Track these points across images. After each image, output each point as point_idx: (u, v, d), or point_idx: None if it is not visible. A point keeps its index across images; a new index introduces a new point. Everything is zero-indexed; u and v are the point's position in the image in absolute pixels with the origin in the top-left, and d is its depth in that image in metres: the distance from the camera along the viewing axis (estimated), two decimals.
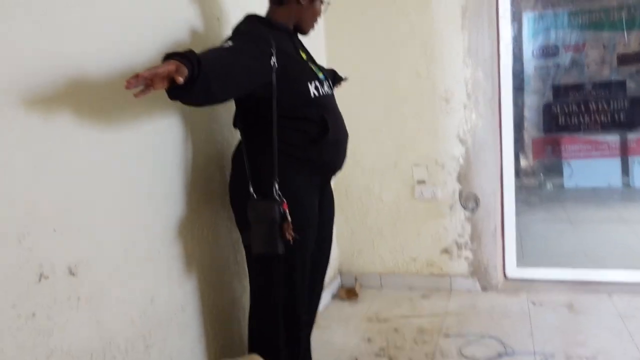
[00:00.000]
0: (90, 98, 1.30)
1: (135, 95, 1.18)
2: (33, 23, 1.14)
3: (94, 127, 1.31)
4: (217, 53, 1.46)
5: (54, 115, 1.19)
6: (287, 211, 1.55)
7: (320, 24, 2.88)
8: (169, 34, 1.62)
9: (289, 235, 1.54)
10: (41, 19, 1.16)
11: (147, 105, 1.51)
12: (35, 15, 1.15)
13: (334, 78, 2.37)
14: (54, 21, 1.20)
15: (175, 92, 1.29)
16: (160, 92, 1.47)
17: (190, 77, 1.24)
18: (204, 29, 1.81)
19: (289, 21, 1.75)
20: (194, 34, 1.75)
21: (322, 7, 1.80)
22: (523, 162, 4.67)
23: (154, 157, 1.56)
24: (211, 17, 1.86)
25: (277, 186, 1.57)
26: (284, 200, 1.56)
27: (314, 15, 1.78)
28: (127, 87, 1.12)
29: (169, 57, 1.26)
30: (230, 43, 1.52)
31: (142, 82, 1.15)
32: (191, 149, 1.73)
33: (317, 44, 2.88)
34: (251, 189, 1.60)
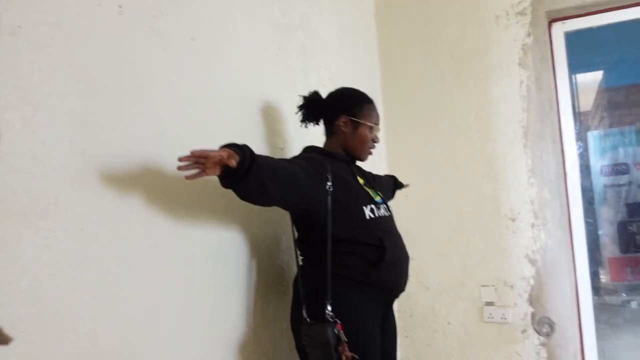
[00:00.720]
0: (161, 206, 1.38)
1: (187, 177, 1.24)
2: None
3: (153, 241, 1.37)
4: (273, 158, 1.55)
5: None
6: (342, 332, 1.53)
7: (381, 149, 3.00)
8: None
9: (347, 356, 1.50)
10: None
11: (210, 217, 1.58)
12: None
13: (395, 184, 2.42)
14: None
15: (229, 180, 1.34)
16: (225, 206, 1.52)
17: (242, 166, 1.30)
18: None
19: (341, 150, 1.84)
20: None
21: (371, 132, 1.83)
22: (604, 278, 4.38)
23: (216, 277, 1.59)
24: (275, 147, 1.97)
25: (329, 308, 1.56)
26: (337, 321, 1.54)
27: (363, 142, 1.82)
28: (180, 163, 1.20)
29: (224, 147, 1.33)
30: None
31: (193, 160, 1.21)
32: (254, 271, 1.78)
33: (379, 168, 2.96)
34: (304, 313, 1.60)
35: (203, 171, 1.26)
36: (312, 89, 2.22)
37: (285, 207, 1.68)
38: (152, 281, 1.34)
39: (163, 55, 1.44)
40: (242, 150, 1.34)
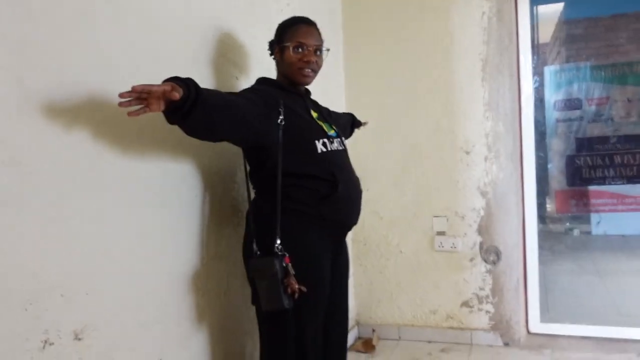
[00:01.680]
0: (102, 135, 1.33)
1: (129, 114, 1.19)
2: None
3: (98, 175, 1.33)
4: (221, 92, 1.49)
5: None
6: (290, 265, 1.55)
7: (341, 76, 2.94)
8: None
9: (293, 289, 1.53)
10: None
11: (159, 150, 1.54)
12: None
13: (353, 122, 2.39)
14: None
15: (174, 117, 1.30)
16: (175, 139, 1.48)
17: (186, 100, 1.26)
18: (223, 88, 1.86)
19: (284, 80, 1.79)
20: None
21: (297, 51, 1.73)
22: (550, 208, 4.57)
23: (166, 211, 1.57)
24: (230, 76, 1.90)
25: (278, 241, 1.57)
26: (285, 254, 1.56)
27: (290, 64, 1.74)
28: (121, 99, 1.14)
29: (166, 81, 1.27)
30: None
31: (135, 96, 1.16)
32: (208, 204, 1.75)
33: (337, 96, 2.92)
34: (255, 246, 1.61)
35: (146, 106, 1.19)
36: (270, 15, 2.14)
37: (234, 142, 1.64)
38: (98, 216, 1.30)
39: None
40: (186, 84, 1.28)
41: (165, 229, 1.56)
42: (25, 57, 1.11)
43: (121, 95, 1.14)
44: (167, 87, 1.20)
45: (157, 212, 1.52)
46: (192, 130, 1.39)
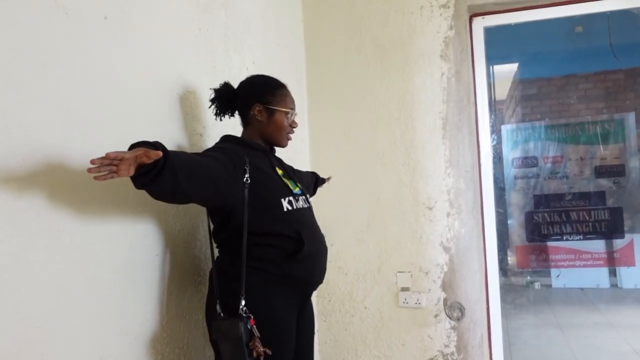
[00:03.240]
0: (61, 192, 1.29)
1: (97, 178, 1.15)
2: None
3: (56, 237, 1.28)
4: (187, 153, 1.48)
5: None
6: (255, 327, 1.51)
7: (305, 132, 2.98)
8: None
9: (258, 352, 1.48)
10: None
11: (120, 209, 1.50)
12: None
13: (316, 181, 2.40)
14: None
15: (142, 181, 1.27)
16: (137, 198, 1.45)
17: (155, 164, 1.24)
18: (188, 144, 1.85)
19: (259, 139, 1.79)
20: (179, 148, 1.78)
21: (288, 118, 1.79)
22: (510, 260, 4.65)
23: (126, 271, 1.51)
24: (194, 133, 1.90)
25: (243, 302, 1.54)
26: (250, 316, 1.52)
27: (280, 129, 1.78)
28: (91, 165, 1.12)
29: (135, 145, 1.26)
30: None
31: (107, 162, 1.14)
32: (168, 263, 1.71)
33: (301, 152, 2.94)
34: (218, 307, 1.57)
35: (115, 172, 1.17)
36: (233, 73, 2.16)
37: (201, 204, 1.62)
38: (53, 278, 1.24)
39: (71, 33, 1.32)
40: (154, 147, 1.27)
41: (125, 289, 1.50)
42: None
43: (93, 161, 1.12)
44: (140, 152, 1.19)
45: (117, 272, 1.47)
46: (158, 193, 1.37)
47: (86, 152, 1.34)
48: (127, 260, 1.52)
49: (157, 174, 1.26)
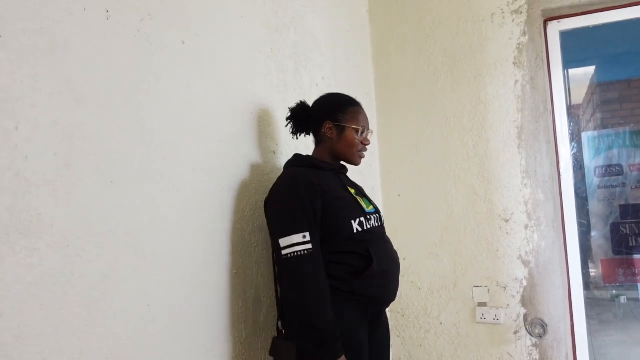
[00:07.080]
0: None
1: None
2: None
3: (144, 244, 1.34)
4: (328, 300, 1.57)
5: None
6: None
7: (374, 148, 2.97)
8: (231, 167, 1.71)
9: None
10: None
11: (200, 228, 1.54)
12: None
13: None
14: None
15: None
16: (215, 215, 1.49)
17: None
18: (261, 162, 1.88)
19: (330, 157, 1.80)
20: (252, 166, 1.82)
21: (358, 135, 1.78)
22: (594, 273, 4.40)
23: (206, 288, 1.56)
24: (267, 150, 1.93)
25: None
26: None
27: (350, 146, 1.77)
28: None
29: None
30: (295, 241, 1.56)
31: None
32: (245, 279, 1.74)
33: (372, 169, 2.93)
34: (279, 324, 1.58)
35: None
36: (304, 90, 2.19)
37: None
38: (139, 297, 1.30)
39: (152, 60, 1.39)
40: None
41: (204, 306, 1.55)
42: (74, 142, 1.14)
43: None
44: None
45: (197, 291, 1.52)
46: None
47: (168, 175, 1.40)
48: (207, 278, 1.56)
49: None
